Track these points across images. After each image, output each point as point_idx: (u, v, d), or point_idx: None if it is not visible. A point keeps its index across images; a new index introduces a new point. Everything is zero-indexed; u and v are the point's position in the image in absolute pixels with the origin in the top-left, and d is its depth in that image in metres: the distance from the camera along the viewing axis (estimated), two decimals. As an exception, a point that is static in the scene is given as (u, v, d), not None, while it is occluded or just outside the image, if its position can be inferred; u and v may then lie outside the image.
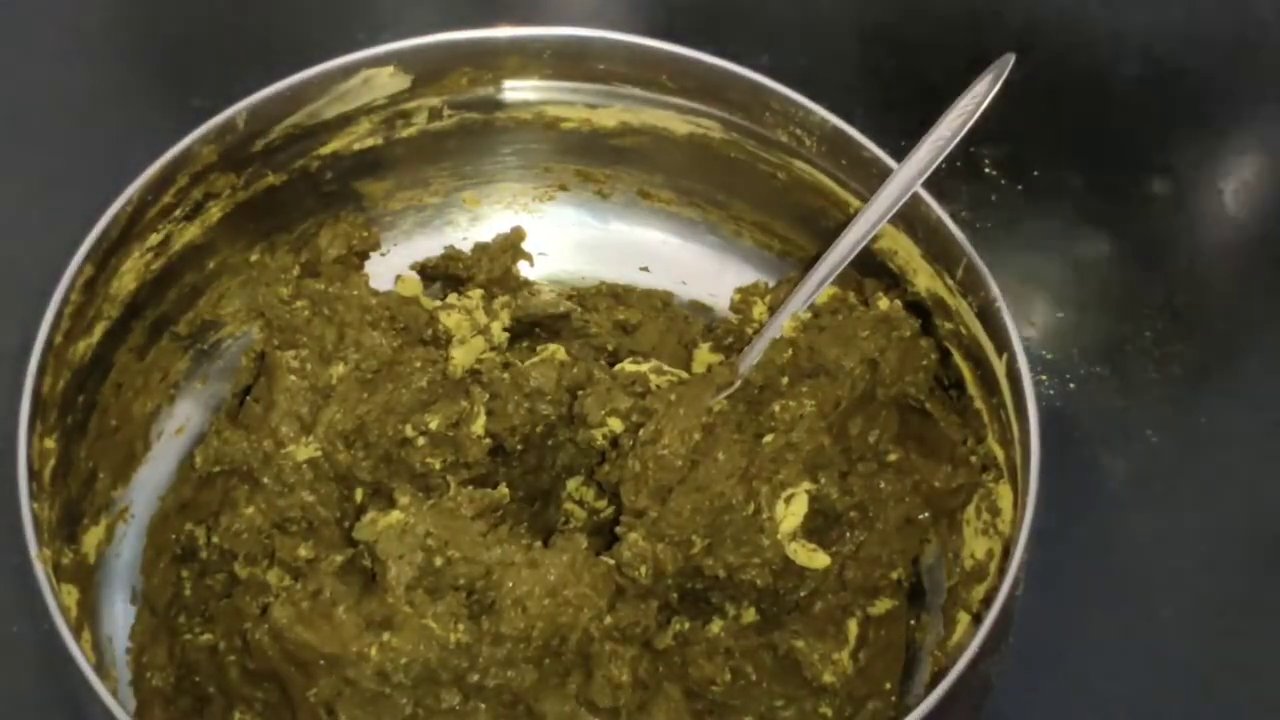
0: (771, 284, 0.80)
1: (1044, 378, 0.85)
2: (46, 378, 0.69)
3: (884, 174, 0.74)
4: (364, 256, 0.77)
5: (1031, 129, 0.92)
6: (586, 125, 0.81)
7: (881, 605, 0.76)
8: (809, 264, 0.77)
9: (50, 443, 0.69)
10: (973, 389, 0.75)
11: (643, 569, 0.72)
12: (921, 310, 0.76)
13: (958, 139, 0.73)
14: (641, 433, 0.74)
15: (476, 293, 0.79)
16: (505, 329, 0.79)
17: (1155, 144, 0.93)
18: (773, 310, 0.77)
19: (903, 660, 0.76)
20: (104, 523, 0.75)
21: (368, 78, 0.76)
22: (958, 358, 0.76)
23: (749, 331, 0.78)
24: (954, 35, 0.94)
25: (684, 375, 0.78)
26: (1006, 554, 0.70)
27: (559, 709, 0.70)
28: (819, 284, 0.75)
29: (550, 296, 0.82)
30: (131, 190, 0.71)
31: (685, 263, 0.84)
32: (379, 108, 0.78)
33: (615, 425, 0.76)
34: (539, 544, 0.71)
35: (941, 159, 0.73)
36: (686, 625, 0.74)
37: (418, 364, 0.75)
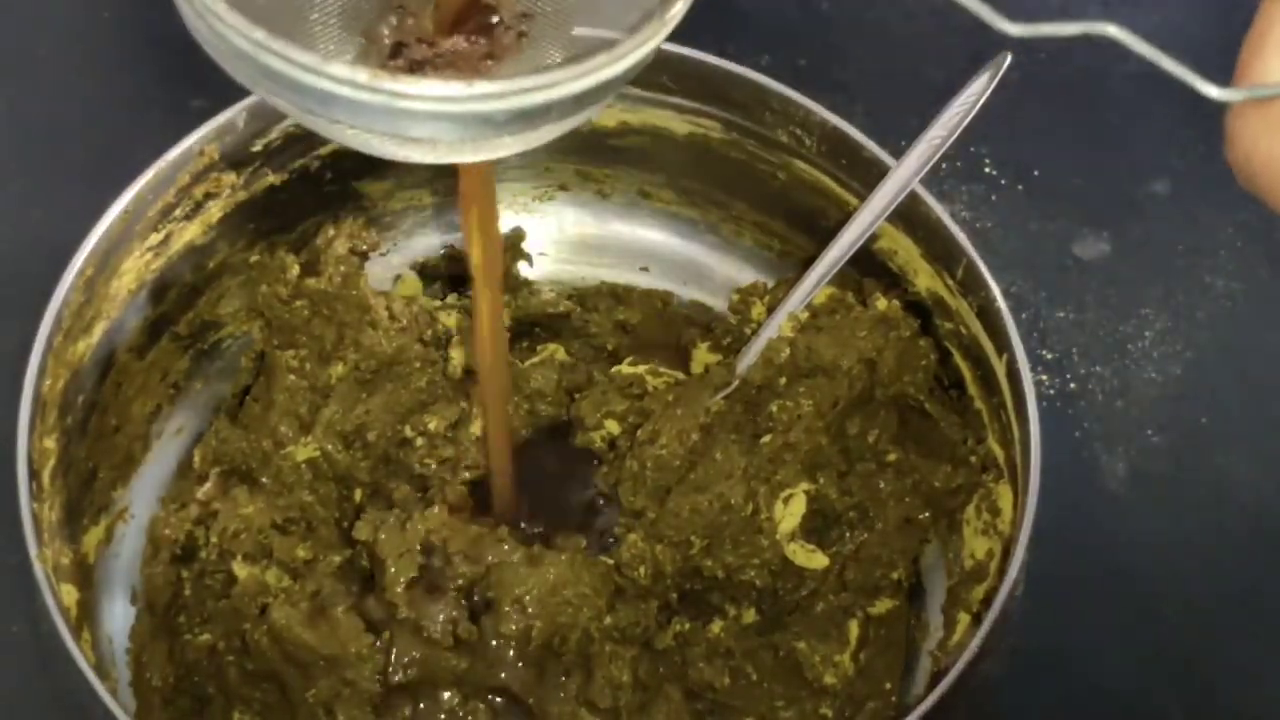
0: (771, 284, 0.80)
1: (1044, 378, 0.85)
2: (46, 378, 0.69)
3: (884, 174, 0.74)
4: (364, 256, 0.77)
5: (1032, 129, 0.92)
6: (586, 125, 0.81)
7: (882, 605, 0.76)
8: (807, 264, 0.77)
9: (50, 443, 0.69)
10: (973, 389, 0.75)
11: (641, 569, 0.72)
12: (921, 310, 0.76)
13: (954, 137, 0.73)
14: (639, 433, 0.74)
15: (477, 292, 0.79)
16: (505, 329, 0.79)
17: (1155, 144, 0.92)
18: (771, 310, 0.77)
19: (903, 660, 0.76)
20: (104, 523, 0.75)
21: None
22: (958, 358, 0.76)
23: (747, 332, 0.78)
24: (954, 35, 0.94)
25: (681, 376, 0.78)
26: (1007, 554, 0.70)
27: (559, 709, 0.70)
28: (816, 284, 0.75)
29: (550, 296, 0.82)
30: (132, 190, 0.71)
31: (685, 263, 0.84)
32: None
33: (612, 428, 0.76)
34: (538, 544, 0.71)
35: (938, 158, 0.73)
36: (686, 626, 0.74)
37: (417, 364, 0.75)
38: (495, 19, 0.57)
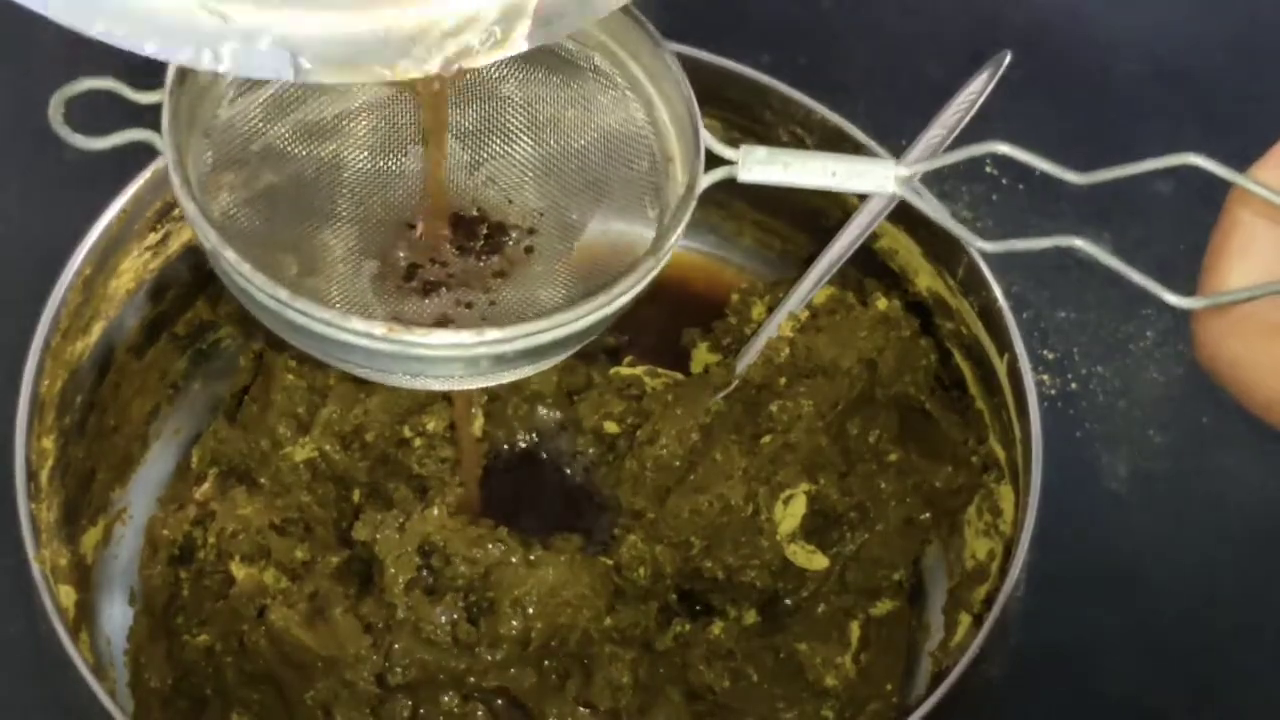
0: (771, 284, 0.80)
1: (1045, 378, 0.84)
2: (44, 378, 0.69)
3: (884, 173, 0.74)
4: (362, 255, 0.77)
5: (1033, 128, 0.91)
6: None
7: (883, 606, 0.76)
8: (807, 264, 0.76)
9: (48, 443, 0.69)
10: (974, 389, 0.75)
11: (641, 570, 0.71)
12: (922, 310, 0.76)
13: (953, 136, 0.73)
14: (639, 434, 0.74)
15: (476, 292, 0.79)
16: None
17: (1156, 144, 0.92)
18: (771, 310, 0.77)
19: (904, 661, 0.75)
20: (102, 523, 0.74)
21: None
22: (959, 358, 0.76)
23: (747, 332, 0.78)
24: (955, 34, 0.94)
25: (679, 377, 0.78)
26: (1008, 555, 0.70)
27: (558, 711, 0.70)
28: (815, 284, 0.75)
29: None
30: (130, 189, 0.71)
31: (685, 262, 0.84)
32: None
33: (611, 429, 0.76)
34: (537, 544, 0.71)
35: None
36: (687, 627, 0.74)
37: (416, 364, 0.75)
38: (504, 237, 0.60)
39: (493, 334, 0.51)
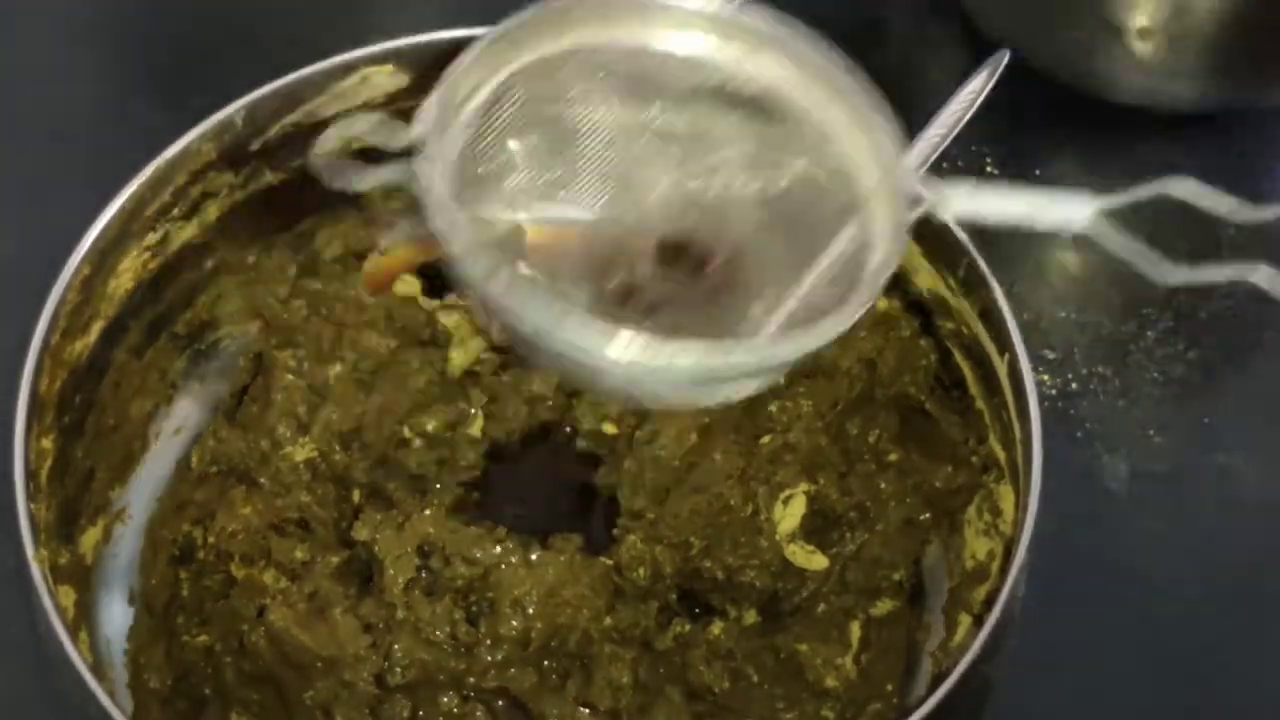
0: (771, 284, 0.80)
1: (1045, 377, 0.84)
2: (43, 377, 0.69)
3: (884, 173, 0.74)
4: (362, 257, 0.77)
5: (1033, 128, 0.92)
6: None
7: (883, 606, 0.76)
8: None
9: (47, 443, 0.69)
10: (974, 389, 0.75)
11: (641, 570, 0.71)
12: (923, 310, 0.76)
13: (952, 135, 0.73)
14: (638, 434, 0.74)
15: (476, 292, 0.79)
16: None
17: (1156, 143, 0.92)
18: (771, 310, 0.77)
19: (904, 661, 0.75)
20: (101, 523, 0.74)
21: (365, 76, 0.76)
22: (959, 358, 0.75)
23: (748, 332, 0.78)
24: (954, 34, 0.94)
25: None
26: (1008, 555, 0.70)
27: (558, 711, 0.70)
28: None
29: (550, 296, 0.82)
30: (129, 189, 0.71)
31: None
32: (377, 106, 0.77)
33: (610, 429, 0.76)
34: (537, 544, 0.71)
35: (936, 155, 0.73)
36: (686, 627, 0.74)
37: (415, 364, 0.75)
38: (712, 264, 0.62)
39: (739, 355, 0.54)
